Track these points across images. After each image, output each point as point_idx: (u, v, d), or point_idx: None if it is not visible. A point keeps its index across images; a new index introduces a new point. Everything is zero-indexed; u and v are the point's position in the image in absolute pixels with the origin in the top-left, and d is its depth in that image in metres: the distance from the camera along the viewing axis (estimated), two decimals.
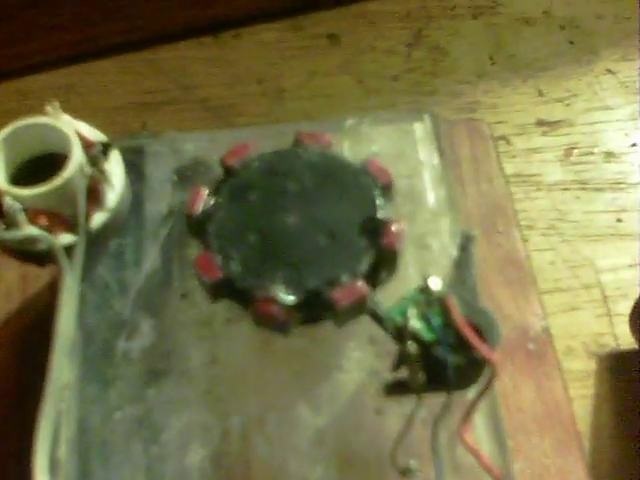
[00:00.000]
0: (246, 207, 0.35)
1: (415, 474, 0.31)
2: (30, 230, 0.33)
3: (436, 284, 0.31)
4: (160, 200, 0.39)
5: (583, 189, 0.50)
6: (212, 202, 0.35)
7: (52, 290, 0.46)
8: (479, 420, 0.32)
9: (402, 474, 0.31)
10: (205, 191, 0.35)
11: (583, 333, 0.46)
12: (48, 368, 0.33)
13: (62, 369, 0.33)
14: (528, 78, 0.56)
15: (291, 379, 0.34)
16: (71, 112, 0.56)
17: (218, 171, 0.38)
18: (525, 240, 0.47)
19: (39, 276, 0.46)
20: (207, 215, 0.34)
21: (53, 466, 0.32)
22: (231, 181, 0.36)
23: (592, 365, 0.45)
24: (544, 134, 0.53)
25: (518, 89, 0.55)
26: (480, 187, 0.47)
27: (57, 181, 0.34)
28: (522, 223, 0.47)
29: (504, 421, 0.34)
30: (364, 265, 0.33)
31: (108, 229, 0.36)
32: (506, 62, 0.56)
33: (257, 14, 0.59)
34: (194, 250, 0.36)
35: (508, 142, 0.53)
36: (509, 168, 0.50)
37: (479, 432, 0.32)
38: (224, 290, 0.33)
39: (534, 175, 0.51)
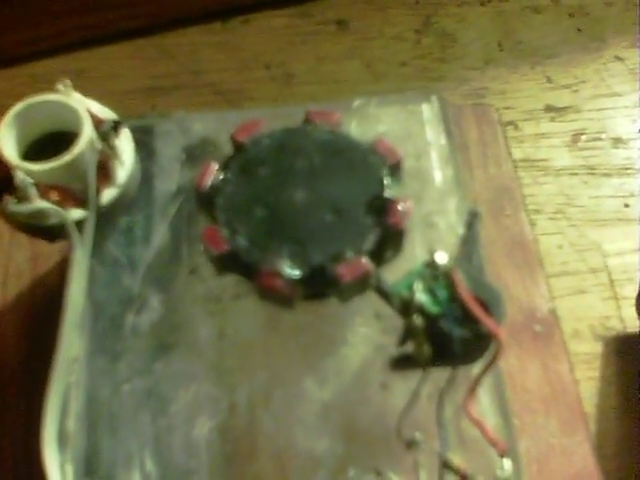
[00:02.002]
0: (254, 182, 0.35)
1: (420, 447, 0.31)
2: (41, 204, 0.34)
3: (442, 258, 0.32)
4: (169, 178, 0.39)
5: (591, 174, 0.51)
6: (221, 177, 0.35)
7: (62, 269, 0.46)
8: (484, 395, 0.33)
9: (407, 446, 0.31)
10: (215, 166, 0.35)
11: (590, 316, 0.46)
12: (57, 341, 0.33)
13: (71, 342, 0.33)
14: (536, 65, 0.56)
15: (297, 353, 0.34)
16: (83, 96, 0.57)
17: (227, 150, 0.38)
18: (533, 224, 0.47)
19: (49, 256, 0.47)
20: (216, 189, 0.35)
21: (62, 438, 0.32)
22: (240, 157, 0.36)
23: (598, 348, 0.45)
24: (552, 120, 0.53)
25: (526, 75, 0.55)
26: (488, 171, 0.47)
27: (67, 156, 0.34)
28: (530, 207, 0.47)
29: (510, 400, 0.34)
30: (369, 242, 0.33)
31: (118, 205, 0.37)
32: (514, 49, 0.57)
33: (265, 1, 0.59)
34: (202, 226, 0.36)
35: (516, 127, 0.53)
36: (517, 153, 0.51)
37: (484, 407, 0.32)
38: (230, 263, 0.34)
39: (542, 160, 0.51)
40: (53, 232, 0.36)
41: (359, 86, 0.55)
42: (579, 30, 0.57)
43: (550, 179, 0.51)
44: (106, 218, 0.36)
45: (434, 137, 0.39)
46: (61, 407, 0.33)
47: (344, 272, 0.32)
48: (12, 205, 0.34)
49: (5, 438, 0.42)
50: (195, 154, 0.40)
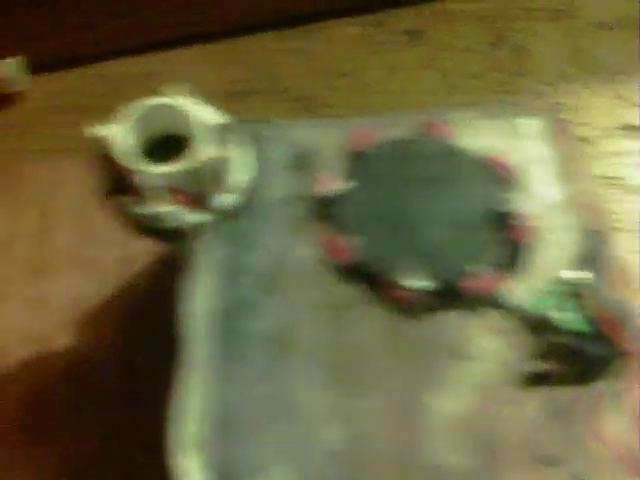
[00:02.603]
0: (374, 192, 0.36)
1: (552, 462, 0.32)
2: (166, 207, 0.34)
3: (573, 276, 0.32)
4: (277, 184, 0.39)
5: None
6: (341, 186, 0.35)
7: (154, 270, 0.47)
8: (615, 414, 0.33)
9: (538, 462, 0.32)
10: (332, 175, 0.36)
11: None
12: (185, 346, 0.34)
13: (198, 347, 0.34)
14: (607, 82, 0.56)
15: (420, 365, 0.34)
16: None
17: (332, 157, 0.38)
18: None
19: (140, 257, 0.47)
20: (335, 198, 0.35)
21: (191, 443, 0.33)
22: (358, 165, 0.36)
23: None
24: (626, 137, 0.54)
25: (598, 92, 0.56)
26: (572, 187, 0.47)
27: (190, 160, 0.34)
28: (613, 225, 0.48)
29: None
30: (493, 257, 0.34)
31: (231, 210, 0.37)
32: (586, 65, 0.57)
33: (339, 9, 0.59)
34: (315, 233, 0.37)
35: (591, 144, 0.53)
36: (593, 170, 0.51)
37: (615, 426, 0.33)
38: (352, 273, 0.34)
39: (618, 178, 0.52)
40: (167, 234, 0.36)
41: (434, 96, 0.55)
42: None
43: (628, 197, 0.51)
44: (220, 223, 0.37)
45: (540, 152, 0.40)
46: (189, 412, 0.33)
47: (470, 286, 0.33)
48: (139, 207, 0.34)
49: (106, 435, 0.42)
50: (301, 161, 0.40)
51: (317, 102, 0.55)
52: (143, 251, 0.47)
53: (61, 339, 0.45)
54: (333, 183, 0.35)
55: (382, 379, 0.34)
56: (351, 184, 0.35)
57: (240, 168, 0.37)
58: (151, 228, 0.35)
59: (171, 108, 0.36)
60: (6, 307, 0.46)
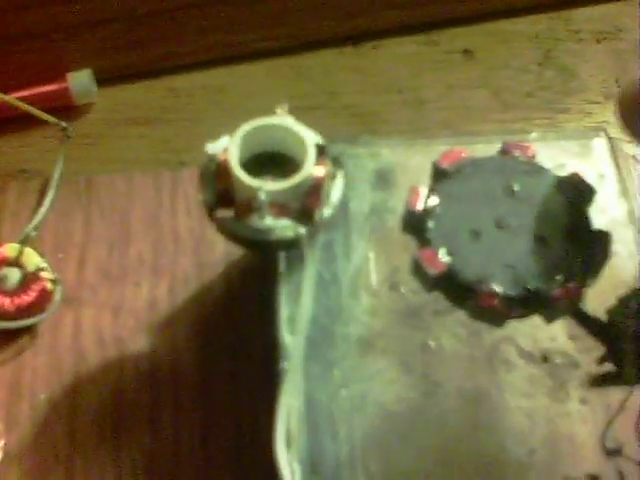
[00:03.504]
0: (460, 207, 0.38)
1: (623, 455, 0.34)
2: (275, 221, 0.37)
3: None
4: (361, 199, 0.42)
5: None
6: (429, 201, 0.38)
7: (227, 278, 0.49)
8: None
9: (611, 455, 0.34)
10: (424, 191, 0.38)
11: None
12: (281, 350, 0.36)
13: (298, 351, 0.36)
14: None
15: (499, 367, 0.37)
16: (221, 112, 0.60)
17: (415, 174, 0.41)
18: None
19: (213, 264, 0.50)
20: (427, 213, 0.38)
21: (287, 439, 0.35)
22: (445, 182, 0.39)
23: None
24: None
25: None
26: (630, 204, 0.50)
27: (298, 178, 0.37)
28: None
29: None
30: (576, 269, 0.36)
31: (326, 224, 0.40)
32: None
33: (395, 28, 0.62)
34: (397, 246, 0.39)
35: (638, 161, 0.56)
36: None
37: None
38: (444, 282, 0.37)
39: None
40: (270, 245, 0.38)
41: (488, 114, 0.58)
42: None
43: None
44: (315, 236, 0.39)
45: (607, 171, 0.42)
46: (287, 411, 0.35)
47: (557, 295, 0.35)
48: (247, 222, 0.36)
49: (181, 438, 0.45)
50: (384, 177, 0.43)
51: (376, 118, 0.58)
52: (214, 260, 0.50)
53: (136, 343, 0.48)
54: (422, 198, 0.38)
55: (462, 380, 0.37)
56: (439, 200, 0.38)
57: (334, 184, 0.39)
58: (255, 241, 0.38)
59: (278, 128, 0.39)
60: (84, 312, 0.49)
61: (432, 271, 0.36)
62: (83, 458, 0.44)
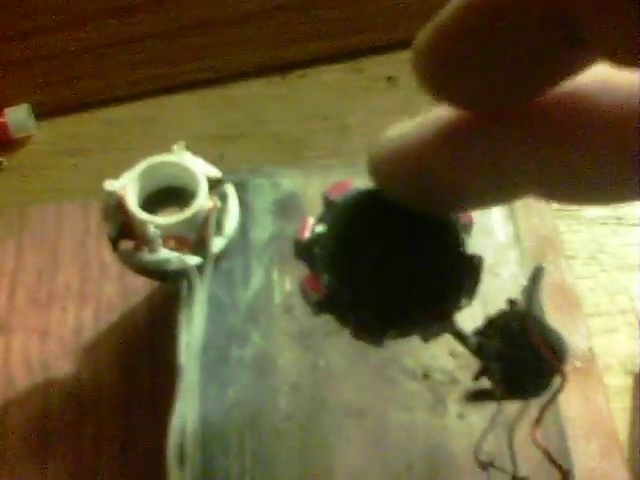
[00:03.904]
0: (344, 237, 0.41)
1: (495, 467, 0.37)
2: (168, 254, 0.39)
3: (514, 306, 0.37)
4: (262, 228, 0.44)
5: (619, 224, 0.56)
6: (317, 230, 0.40)
7: (150, 303, 0.52)
8: (546, 423, 0.38)
9: (484, 467, 0.37)
10: (311, 220, 0.41)
11: (620, 353, 0.51)
12: (179, 371, 0.39)
13: (192, 372, 0.39)
14: None
15: (383, 385, 0.39)
16: (153, 141, 0.62)
17: (313, 203, 0.43)
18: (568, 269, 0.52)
19: (138, 290, 0.52)
20: (313, 241, 0.40)
21: (182, 456, 0.37)
22: (332, 213, 0.41)
23: (629, 381, 0.51)
24: None
25: None
26: (531, 220, 0.53)
27: (189, 212, 0.39)
28: (566, 253, 0.53)
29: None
30: (450, 293, 0.39)
31: (222, 252, 0.42)
32: None
33: (322, 57, 0.65)
34: (295, 271, 0.42)
35: None
36: (553, 204, 0.56)
37: (548, 433, 0.38)
38: (327, 307, 0.39)
39: (575, 210, 0.57)
40: (168, 275, 0.41)
41: None
42: None
43: (583, 228, 0.56)
44: (212, 264, 0.42)
45: None
46: (179, 431, 0.38)
47: (428, 319, 0.38)
48: (142, 254, 0.39)
49: (102, 452, 0.47)
50: (284, 206, 0.45)
51: (300, 145, 0.60)
52: (138, 285, 0.52)
53: (62, 367, 0.50)
54: (311, 227, 0.40)
55: (349, 398, 0.39)
56: (324, 229, 0.40)
57: (230, 214, 0.41)
58: (153, 271, 0.40)
59: (172, 164, 0.41)
60: (12, 337, 0.51)
61: (314, 296, 0.39)
62: (10, 476, 0.46)
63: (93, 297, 0.52)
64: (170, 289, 0.48)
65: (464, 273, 0.40)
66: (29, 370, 0.50)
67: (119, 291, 0.52)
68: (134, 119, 0.63)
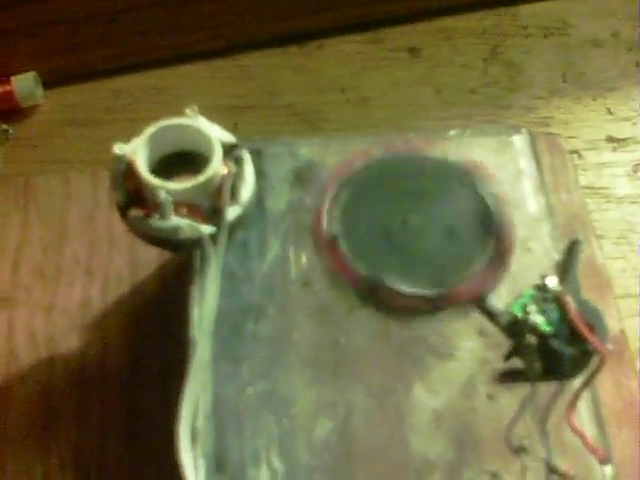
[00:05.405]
0: (368, 206, 0.38)
1: (527, 453, 0.34)
2: (180, 221, 0.37)
3: (553, 283, 0.35)
4: (279, 197, 0.42)
5: None
6: (339, 200, 0.38)
7: (160, 276, 0.49)
8: (583, 407, 0.35)
9: (515, 452, 0.34)
10: (333, 189, 0.38)
11: None
12: (192, 346, 0.36)
13: (204, 347, 0.36)
14: (598, 97, 0.59)
15: (408, 364, 0.37)
16: (164, 112, 0.60)
17: (331, 172, 0.41)
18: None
19: (148, 262, 0.50)
20: (335, 211, 0.38)
21: (193, 436, 0.35)
22: (352, 181, 0.39)
23: None
24: (613, 150, 0.56)
25: (588, 106, 0.59)
26: (560, 197, 0.50)
27: (203, 177, 0.37)
28: (595, 233, 0.51)
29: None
30: (480, 264, 0.36)
31: (237, 222, 0.40)
32: (577, 80, 0.60)
33: (340, 27, 0.62)
34: (311, 243, 0.39)
35: (580, 156, 0.56)
36: (581, 181, 0.54)
37: (583, 418, 0.35)
38: (349, 278, 0.37)
39: (604, 188, 0.55)
40: (179, 244, 0.38)
41: (430, 111, 0.58)
42: (637, 65, 0.60)
43: (612, 206, 0.54)
44: (227, 234, 0.39)
45: (526, 167, 0.42)
46: (194, 408, 0.35)
47: (457, 291, 0.35)
48: (153, 221, 0.37)
49: (108, 433, 0.45)
50: (302, 175, 0.43)
51: (317, 117, 0.58)
52: (148, 258, 0.50)
53: (68, 342, 0.48)
54: (329, 196, 0.38)
55: (375, 377, 0.37)
56: (346, 198, 0.38)
57: (245, 181, 0.39)
58: (164, 240, 0.38)
59: (185, 127, 0.39)
60: (17, 312, 0.49)
61: (335, 268, 0.36)
62: (12, 453, 0.44)
63: (101, 270, 0.50)
64: (181, 262, 0.46)
65: (495, 245, 0.37)
66: (33, 345, 0.48)
67: (128, 264, 0.50)
68: (144, 89, 0.61)
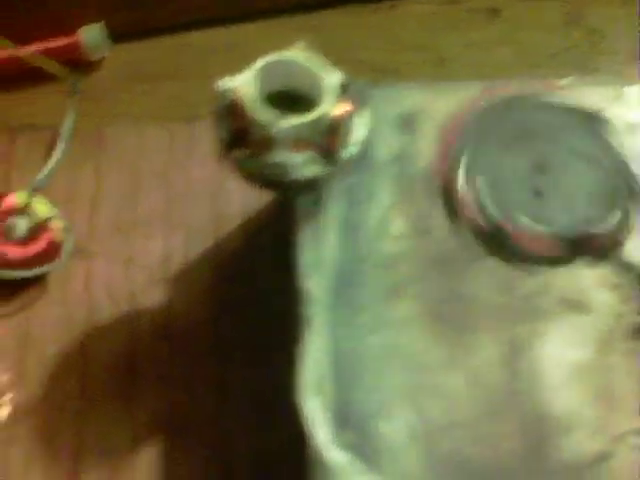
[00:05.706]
0: (495, 150, 0.36)
1: None
2: (294, 157, 0.35)
3: None
4: (384, 144, 0.40)
5: None
6: (461, 146, 0.36)
7: (245, 231, 0.47)
8: None
9: None
10: (459, 131, 0.36)
11: None
12: (307, 296, 0.34)
13: (318, 296, 0.34)
14: None
15: (538, 316, 0.35)
16: (231, 70, 0.58)
17: (442, 118, 0.39)
18: None
19: (231, 218, 0.48)
20: (461, 154, 0.36)
21: (310, 387, 0.33)
22: (478, 123, 0.37)
23: None
24: None
25: None
26: None
27: (317, 113, 0.35)
28: None
29: None
30: (618, 213, 0.34)
31: (348, 165, 0.38)
32: None
33: None
34: (424, 190, 0.38)
35: None
36: None
37: None
38: (475, 226, 0.35)
39: None
40: (289, 185, 0.36)
41: (512, 73, 0.56)
42: None
43: None
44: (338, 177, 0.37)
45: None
46: (310, 359, 0.34)
47: (591, 239, 0.33)
48: (263, 159, 0.35)
49: (196, 392, 0.43)
50: (407, 121, 0.41)
51: (397, 75, 0.56)
52: (232, 211, 0.48)
53: (149, 297, 0.46)
54: (451, 142, 0.36)
55: (504, 330, 0.35)
56: (470, 143, 0.36)
57: (357, 125, 0.37)
58: (273, 180, 0.36)
59: (295, 64, 0.37)
60: (95, 265, 0.47)
61: (466, 216, 0.34)
62: (94, 414, 0.42)
63: (182, 224, 0.48)
64: (265, 215, 0.44)
65: (634, 194, 0.36)
66: (113, 300, 0.45)
67: (210, 218, 0.48)
68: (211, 46, 0.59)
